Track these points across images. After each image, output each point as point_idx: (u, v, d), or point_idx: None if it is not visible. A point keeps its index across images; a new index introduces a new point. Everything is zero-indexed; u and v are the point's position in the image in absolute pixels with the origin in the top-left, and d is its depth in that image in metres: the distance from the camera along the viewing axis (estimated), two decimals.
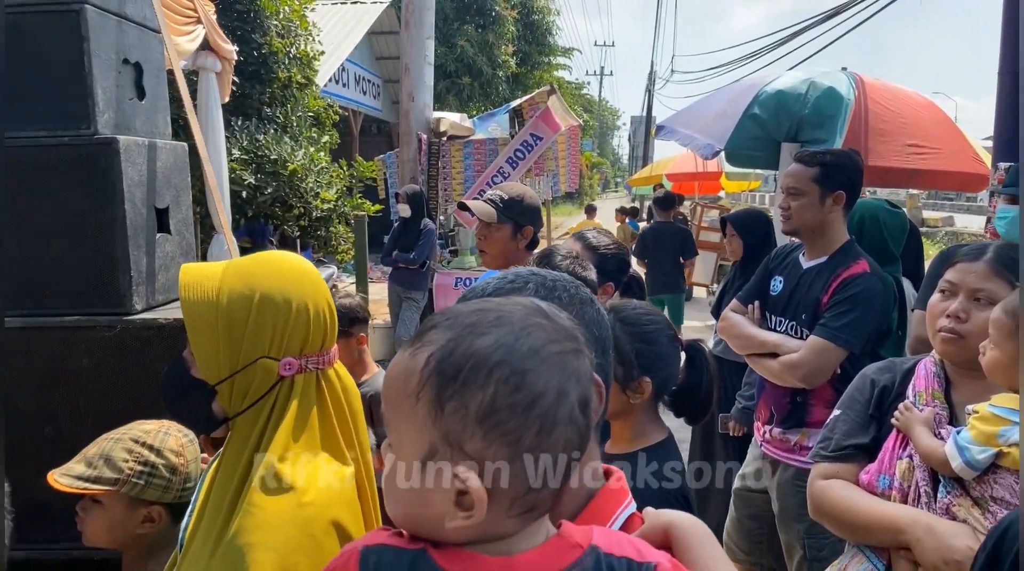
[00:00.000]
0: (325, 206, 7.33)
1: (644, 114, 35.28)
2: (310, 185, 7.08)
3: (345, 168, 8.21)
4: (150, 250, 2.19)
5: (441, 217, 7.56)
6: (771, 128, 4.67)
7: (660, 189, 12.58)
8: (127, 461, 1.37)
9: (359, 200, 8.29)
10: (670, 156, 15.68)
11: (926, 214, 18.62)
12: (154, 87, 2.44)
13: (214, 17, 5.45)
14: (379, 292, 6.80)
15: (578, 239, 2.12)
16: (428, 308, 6.64)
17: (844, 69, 5.06)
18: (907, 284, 2.82)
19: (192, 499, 1.13)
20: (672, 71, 48.68)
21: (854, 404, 1.59)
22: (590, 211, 13.49)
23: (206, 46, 5.22)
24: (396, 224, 6.40)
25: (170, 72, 2.75)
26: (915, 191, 15.92)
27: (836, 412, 1.62)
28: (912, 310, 2.60)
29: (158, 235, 2.25)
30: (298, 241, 8.46)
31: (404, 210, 6.13)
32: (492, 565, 0.65)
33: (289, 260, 1.10)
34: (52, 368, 2.04)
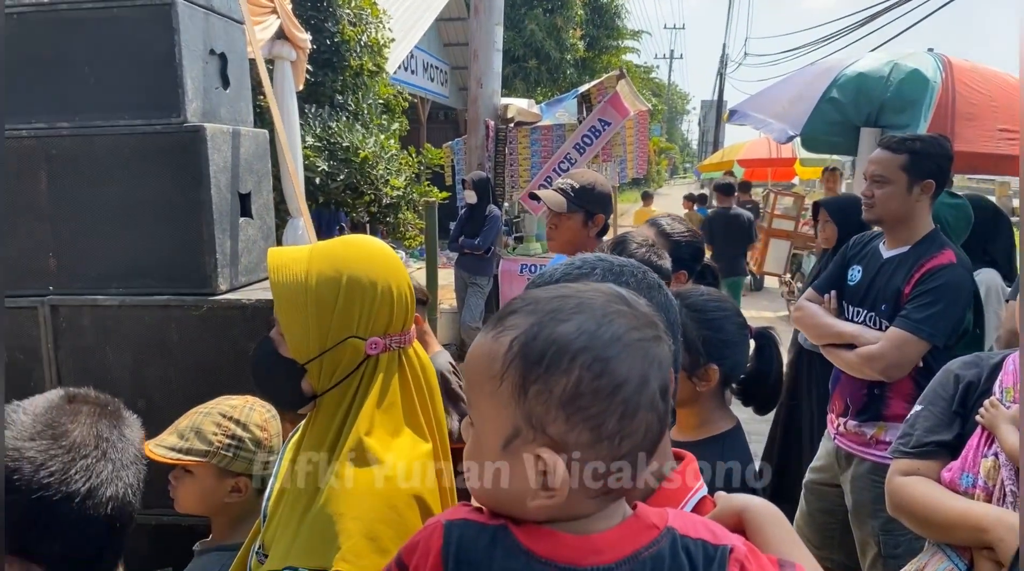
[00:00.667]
0: (394, 193, 7.46)
1: (715, 98, 34.49)
2: (380, 172, 7.21)
3: (414, 155, 8.32)
4: (234, 233, 2.29)
5: (506, 204, 7.59)
6: (850, 113, 4.50)
7: (729, 175, 12.29)
8: (216, 434, 1.45)
9: (427, 187, 8.39)
10: (742, 141, 15.30)
11: (1016, 203, 17.62)
12: (238, 76, 2.53)
13: (289, 7, 5.60)
14: (445, 277, 6.89)
15: (652, 226, 2.11)
16: (493, 294, 6.70)
17: (930, 50, 4.83)
18: (990, 276, 2.69)
19: (274, 471, 1.18)
20: (745, 54, 47.32)
21: (937, 400, 1.54)
22: (646, 198, 13.32)
23: (282, 35, 5.37)
24: (462, 210, 6.47)
25: (251, 62, 2.85)
26: (1006, 178, 15.09)
27: (918, 407, 1.58)
28: (1006, 301, 2.49)
29: (241, 219, 2.34)
30: (367, 227, 8.63)
31: (470, 196, 6.19)
32: (571, 543, 0.67)
33: (372, 243, 1.14)
34: (145, 344, 2.16)
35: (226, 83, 2.45)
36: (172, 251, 2.17)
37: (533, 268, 6.79)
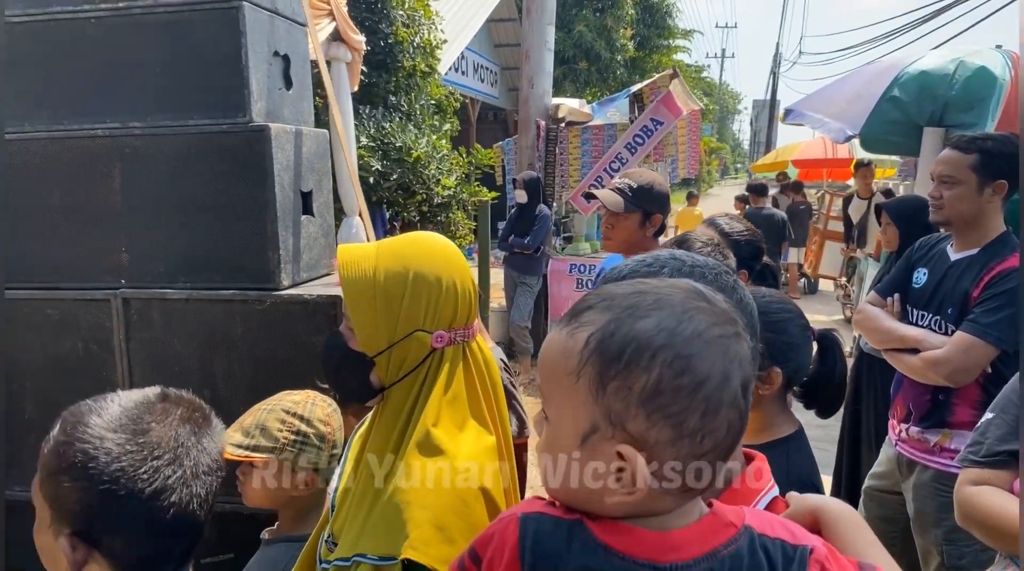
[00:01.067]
0: (445, 192, 7.53)
1: (768, 97, 33.85)
2: (432, 172, 7.29)
3: (464, 155, 8.39)
4: (296, 231, 2.34)
5: (555, 204, 7.59)
6: (912, 112, 4.37)
7: (783, 176, 12.06)
8: (281, 431, 1.48)
9: (476, 187, 8.45)
10: (796, 141, 14.98)
11: None
12: (300, 77, 2.59)
13: (345, 9, 5.69)
14: (495, 276, 6.93)
15: (710, 225, 2.09)
16: (542, 293, 6.71)
17: (998, 47, 4.66)
18: None
19: (341, 461, 1.21)
20: (800, 52, 46.14)
21: (1009, 407, 1.49)
22: (691, 198, 13.13)
23: (338, 37, 5.46)
24: (512, 210, 6.49)
25: (312, 63, 2.91)
26: None
27: (989, 415, 1.53)
28: None
29: (303, 217, 2.40)
30: (418, 226, 8.72)
31: (521, 196, 6.20)
32: (649, 539, 0.68)
33: (437, 240, 1.16)
34: (211, 337, 2.23)
35: (289, 84, 2.51)
36: (237, 247, 2.24)
37: (582, 268, 6.77)
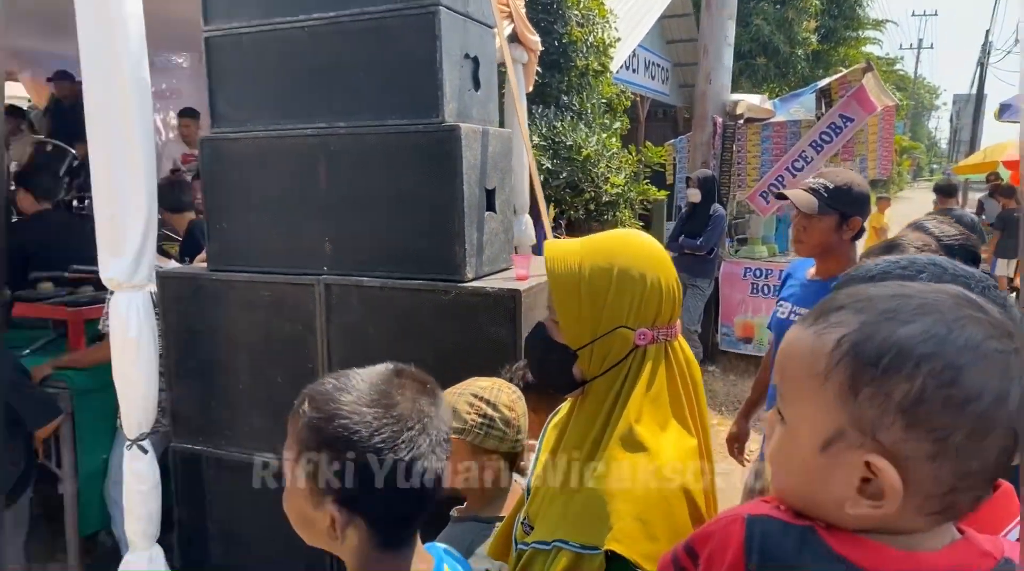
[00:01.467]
0: (613, 190, 7.49)
1: (973, 91, 30.57)
2: (601, 170, 7.28)
3: (633, 153, 8.29)
4: (480, 226, 2.43)
5: (729, 204, 7.31)
6: None
7: (995, 177, 10.86)
8: (469, 413, 1.54)
9: (645, 185, 8.33)
10: (1006, 140, 13.40)
11: None
12: (487, 79, 2.68)
13: (523, 10, 5.82)
14: None
15: (916, 229, 1.92)
16: (713, 297, 6.49)
17: None
18: None
19: (537, 448, 1.24)
20: (1017, 40, 41.10)
21: None
22: (881, 202, 12.08)
23: (515, 38, 5.60)
24: (683, 209, 6.33)
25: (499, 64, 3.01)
26: None
27: None
28: None
29: (486, 213, 2.48)
30: (584, 225, 8.75)
31: (694, 195, 6.03)
32: (896, 558, 0.63)
33: (641, 238, 1.16)
34: (400, 324, 2.37)
35: (477, 85, 2.61)
36: (427, 240, 2.36)
37: (758, 272, 6.47)
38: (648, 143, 9.39)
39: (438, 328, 2.31)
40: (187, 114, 6.52)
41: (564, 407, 1.25)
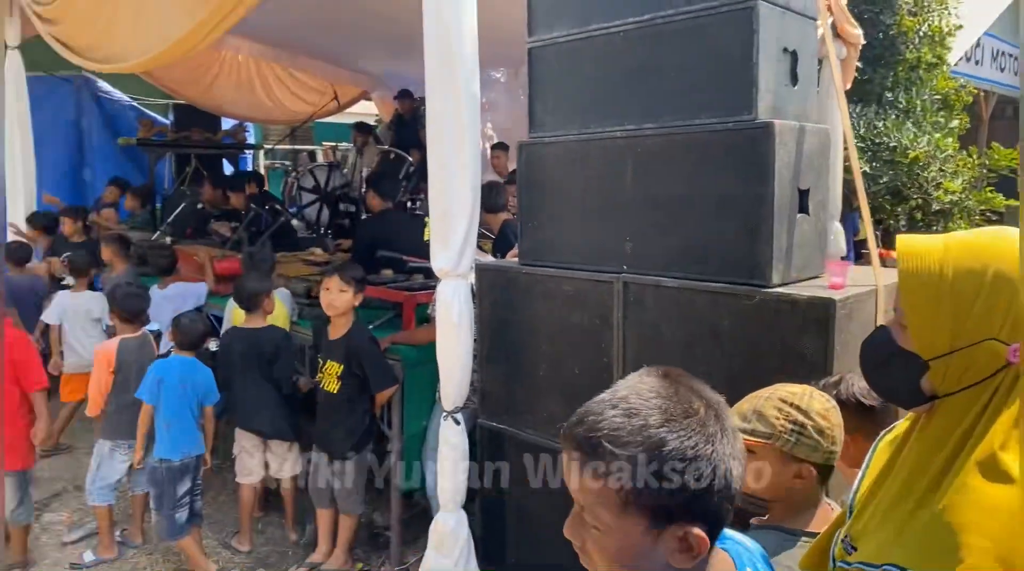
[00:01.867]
0: (947, 198, 6.56)
1: None
2: (932, 174, 6.43)
3: (974, 156, 7.19)
4: (790, 229, 2.29)
5: None
6: None
7: None
8: (777, 418, 1.47)
9: (989, 193, 7.16)
10: None
11: None
12: (806, 73, 2.52)
13: (844, 1, 5.37)
14: None
15: None
16: None
17: None
18: None
19: (864, 465, 1.14)
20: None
21: None
22: None
23: (833, 31, 5.19)
24: None
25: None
26: None
27: None
28: None
29: (798, 215, 2.33)
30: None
31: None
32: None
33: (1015, 237, 0.99)
34: (697, 326, 2.33)
35: (795, 80, 2.47)
36: (730, 241, 2.29)
37: None
38: (995, 144, 8.07)
39: (737, 334, 2.23)
40: (499, 147, 7.14)
41: (900, 425, 1.12)
